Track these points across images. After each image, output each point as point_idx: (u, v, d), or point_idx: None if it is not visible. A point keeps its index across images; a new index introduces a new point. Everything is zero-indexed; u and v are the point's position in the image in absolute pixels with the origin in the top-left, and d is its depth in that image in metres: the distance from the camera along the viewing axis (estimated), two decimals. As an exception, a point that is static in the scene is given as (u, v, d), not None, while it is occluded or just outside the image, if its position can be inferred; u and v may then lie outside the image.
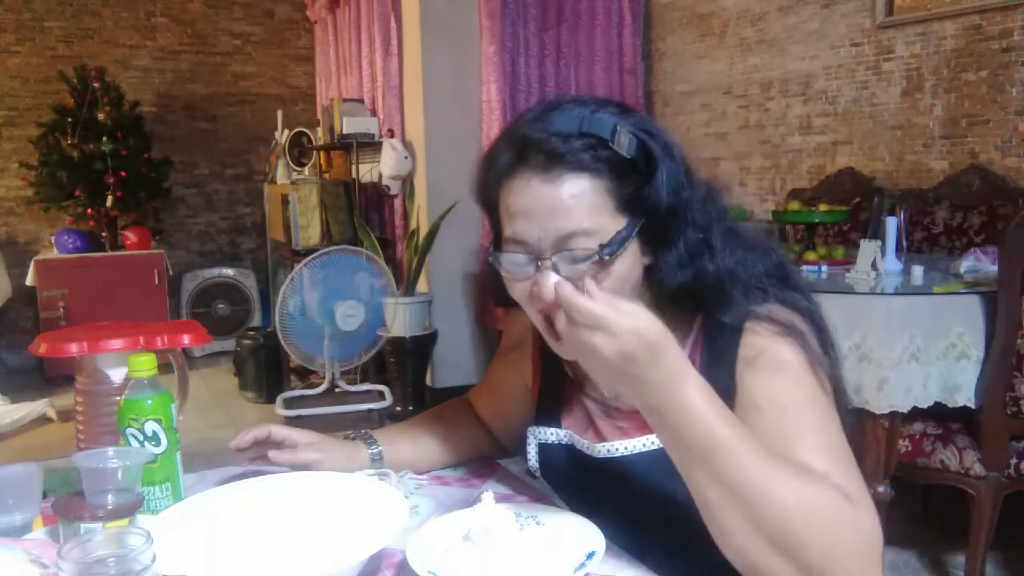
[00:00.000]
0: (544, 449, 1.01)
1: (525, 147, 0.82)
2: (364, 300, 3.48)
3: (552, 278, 0.79)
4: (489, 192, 0.87)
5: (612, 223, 0.80)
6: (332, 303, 3.43)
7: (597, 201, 0.80)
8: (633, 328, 0.68)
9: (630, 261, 0.83)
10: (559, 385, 1.02)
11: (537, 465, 1.02)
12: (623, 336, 0.68)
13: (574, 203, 0.79)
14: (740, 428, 0.72)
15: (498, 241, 0.87)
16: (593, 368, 0.73)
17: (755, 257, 0.88)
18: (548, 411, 1.02)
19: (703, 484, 0.71)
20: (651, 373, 0.69)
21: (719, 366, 0.85)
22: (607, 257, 0.79)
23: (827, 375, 0.85)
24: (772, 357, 0.82)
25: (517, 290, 0.85)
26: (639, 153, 0.81)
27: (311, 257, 3.46)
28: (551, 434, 1.00)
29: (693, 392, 0.70)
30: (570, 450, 0.98)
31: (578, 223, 0.79)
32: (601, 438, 0.95)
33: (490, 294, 1.00)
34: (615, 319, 0.68)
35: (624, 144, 0.80)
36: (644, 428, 0.91)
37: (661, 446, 0.83)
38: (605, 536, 0.81)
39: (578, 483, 0.98)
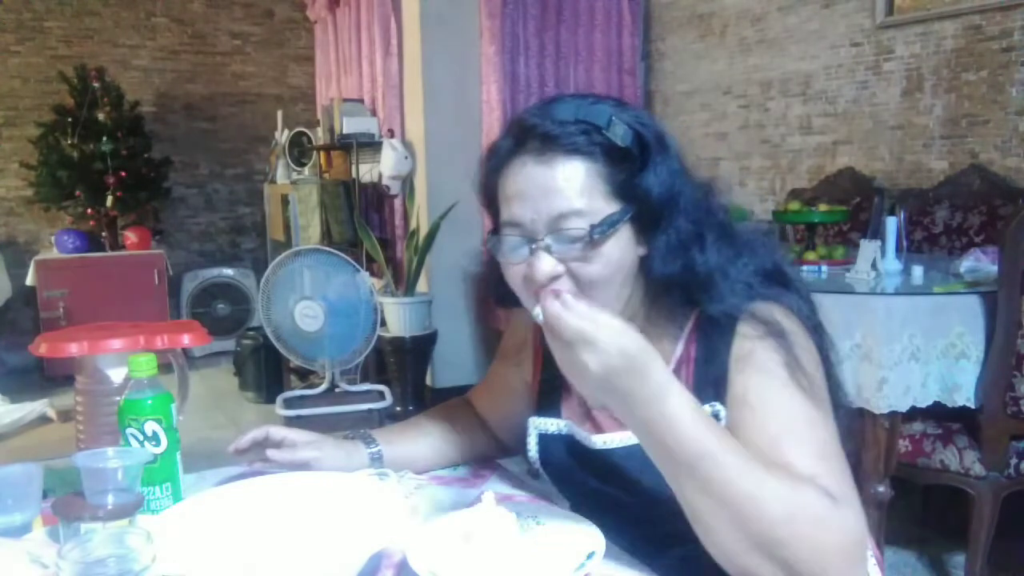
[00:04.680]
0: (544, 440, 1.02)
1: (523, 133, 0.85)
2: (342, 301, 3.43)
3: (545, 262, 0.82)
4: (489, 182, 0.90)
5: (604, 207, 0.83)
6: (294, 304, 3.40)
7: (590, 184, 0.82)
8: (618, 343, 0.70)
9: (623, 247, 0.84)
10: (559, 377, 1.02)
11: (537, 456, 1.03)
12: (608, 351, 0.70)
13: (566, 184, 0.82)
14: (726, 437, 0.73)
15: (496, 229, 0.89)
16: (580, 383, 0.74)
17: (748, 255, 0.89)
18: (548, 402, 1.03)
19: (690, 494, 0.72)
20: (636, 387, 0.71)
21: (713, 362, 0.87)
22: (597, 236, 0.81)
23: (820, 374, 0.86)
24: (761, 357, 0.83)
25: (513, 274, 0.87)
26: (633, 143, 0.83)
27: (284, 255, 3.44)
28: (551, 424, 1.02)
29: (678, 405, 0.71)
30: (569, 441, 1.00)
31: (570, 204, 0.82)
32: (598, 428, 0.96)
33: (491, 293, 1.01)
34: (600, 335, 0.70)
35: (619, 133, 0.83)
36: None
37: None
38: (603, 531, 0.82)
39: (576, 474, 0.99)
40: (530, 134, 0.84)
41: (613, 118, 0.83)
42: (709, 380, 0.87)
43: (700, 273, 0.85)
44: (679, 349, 0.91)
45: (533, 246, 0.83)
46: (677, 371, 0.91)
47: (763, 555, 0.70)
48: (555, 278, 0.83)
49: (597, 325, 0.70)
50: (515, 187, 0.84)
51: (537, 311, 0.75)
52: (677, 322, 0.91)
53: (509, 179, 0.85)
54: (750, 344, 0.84)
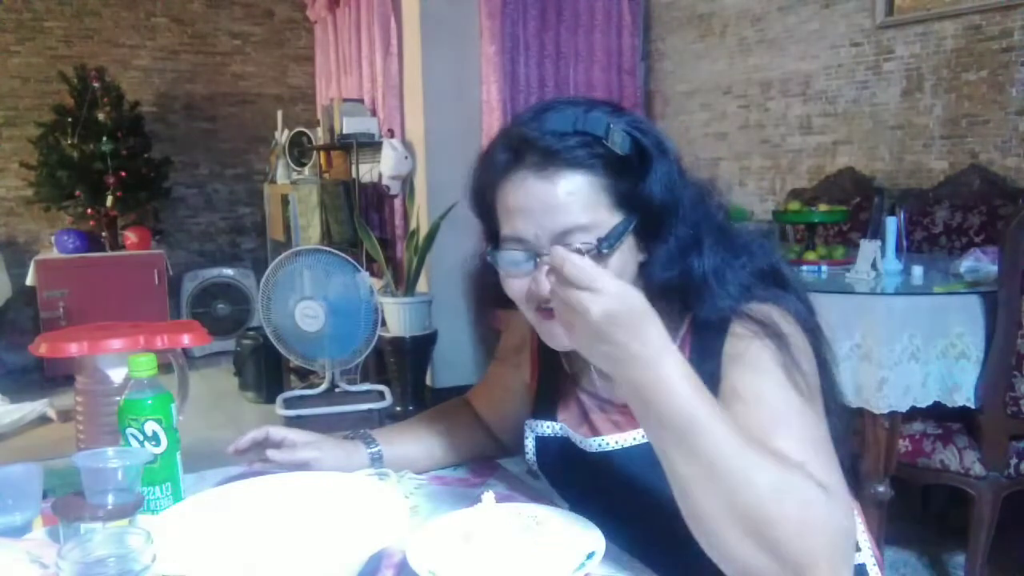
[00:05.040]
0: (541, 442, 1.03)
1: (521, 146, 0.83)
2: (342, 301, 3.43)
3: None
4: (484, 193, 0.88)
5: (608, 218, 0.82)
6: (294, 304, 3.40)
7: (593, 197, 0.82)
8: (619, 290, 0.68)
9: (625, 257, 0.84)
10: (556, 379, 1.03)
11: (535, 458, 1.03)
12: (609, 295, 0.68)
13: (570, 199, 0.81)
14: (718, 409, 0.71)
15: (495, 241, 0.88)
16: (577, 332, 0.72)
17: (745, 257, 0.89)
18: (545, 405, 1.03)
19: (678, 463, 0.71)
20: (632, 344, 0.69)
21: (706, 363, 0.86)
22: (605, 251, 0.81)
23: (816, 375, 0.85)
24: (755, 355, 0.82)
25: (514, 288, 0.86)
26: (633, 150, 0.82)
27: (284, 256, 3.45)
28: (547, 427, 1.02)
29: (672, 368, 0.70)
30: (565, 443, 1.00)
31: (575, 219, 0.81)
32: (595, 432, 0.96)
33: (487, 298, 1.00)
34: (604, 279, 0.68)
35: (618, 141, 0.81)
36: (636, 422, 0.92)
37: None
38: (602, 532, 0.82)
39: (573, 477, 0.99)
40: (528, 148, 0.82)
41: (611, 126, 0.82)
42: (702, 379, 0.87)
43: (697, 278, 0.85)
44: None
45: (537, 261, 0.82)
46: None
47: (751, 536, 0.68)
48: None
49: (603, 274, 0.69)
50: (516, 202, 0.83)
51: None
52: (672, 326, 0.89)
53: (509, 194, 0.84)
54: (744, 343, 0.84)
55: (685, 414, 0.69)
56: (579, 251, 0.80)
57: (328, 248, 3.56)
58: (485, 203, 0.89)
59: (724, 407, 0.79)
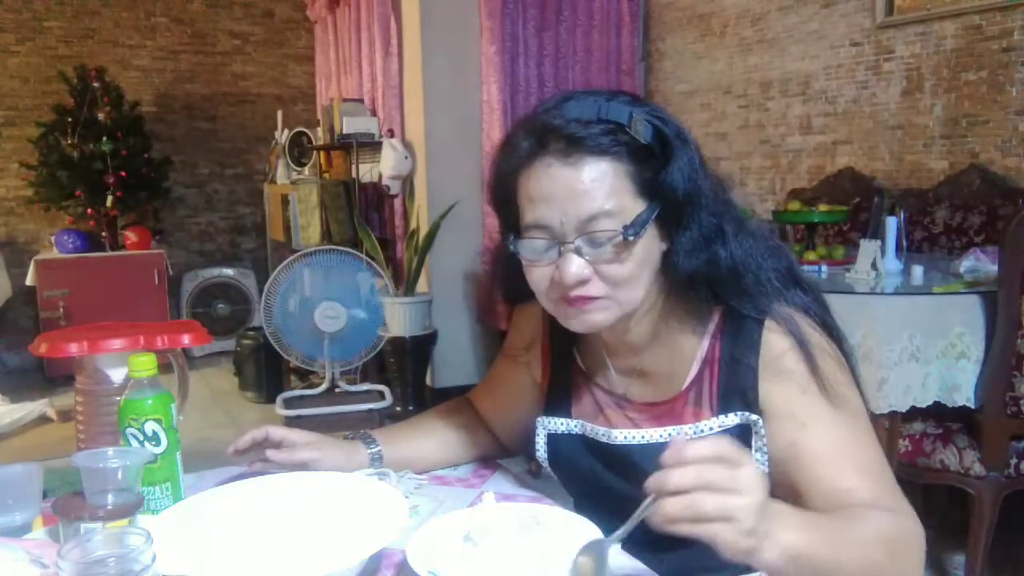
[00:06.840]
0: (553, 439, 1.02)
1: (544, 134, 0.83)
2: (349, 301, 3.45)
3: (575, 264, 0.81)
4: (505, 182, 0.88)
5: (633, 206, 0.82)
6: (314, 304, 3.42)
7: (618, 184, 0.82)
8: (753, 478, 0.65)
9: (649, 245, 0.84)
10: (568, 376, 1.03)
11: (546, 456, 1.03)
12: (753, 490, 0.65)
13: (595, 186, 0.81)
14: (824, 529, 0.73)
15: (515, 231, 0.88)
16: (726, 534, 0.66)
17: (766, 252, 0.90)
18: (558, 402, 1.03)
19: None
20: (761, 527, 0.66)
21: (740, 366, 0.87)
22: (631, 238, 0.81)
23: (848, 378, 0.87)
24: (793, 368, 0.85)
25: (536, 277, 0.86)
26: (655, 139, 0.83)
27: (294, 257, 3.46)
28: (561, 424, 1.01)
29: (792, 537, 0.69)
30: (582, 439, 0.99)
31: (600, 205, 0.81)
32: (612, 427, 0.96)
33: (499, 291, 1.01)
34: (739, 474, 0.65)
35: (640, 130, 0.82)
36: (654, 420, 0.94)
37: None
38: (612, 528, 0.81)
39: (590, 470, 0.99)
40: (553, 135, 0.82)
41: (633, 114, 0.82)
42: (736, 387, 0.88)
43: (724, 267, 0.85)
44: (704, 346, 0.91)
45: (561, 249, 0.83)
46: (702, 370, 0.91)
47: None
48: (583, 281, 0.83)
49: (729, 472, 0.65)
50: (540, 189, 0.83)
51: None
52: (701, 318, 0.90)
53: (532, 181, 0.84)
54: (778, 351, 0.85)
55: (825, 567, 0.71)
56: (603, 239, 0.81)
57: (347, 248, 3.57)
58: (505, 192, 0.88)
59: (782, 427, 0.84)
